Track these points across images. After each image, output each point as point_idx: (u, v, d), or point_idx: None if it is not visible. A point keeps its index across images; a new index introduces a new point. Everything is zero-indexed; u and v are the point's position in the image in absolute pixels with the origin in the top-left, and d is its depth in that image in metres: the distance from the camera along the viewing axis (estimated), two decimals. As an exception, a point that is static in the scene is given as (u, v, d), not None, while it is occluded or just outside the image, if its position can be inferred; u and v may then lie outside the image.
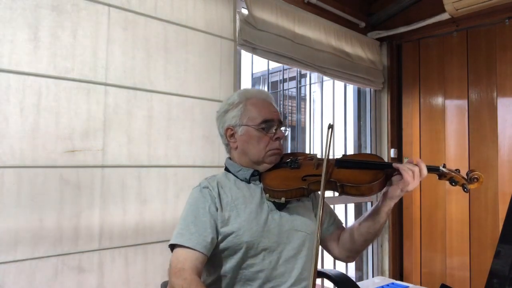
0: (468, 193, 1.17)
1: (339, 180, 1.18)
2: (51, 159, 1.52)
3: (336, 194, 1.23)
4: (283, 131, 1.31)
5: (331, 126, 1.20)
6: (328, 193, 1.26)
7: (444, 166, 1.15)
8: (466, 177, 1.14)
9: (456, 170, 1.16)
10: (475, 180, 1.13)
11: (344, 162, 1.24)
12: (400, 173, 1.13)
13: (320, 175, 1.20)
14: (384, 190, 1.19)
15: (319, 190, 1.24)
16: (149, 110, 1.81)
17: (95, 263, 1.61)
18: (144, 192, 1.77)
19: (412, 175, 1.11)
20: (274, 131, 1.28)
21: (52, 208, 1.51)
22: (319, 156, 1.33)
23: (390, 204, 1.18)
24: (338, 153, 2.95)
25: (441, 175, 1.18)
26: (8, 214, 1.42)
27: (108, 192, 1.66)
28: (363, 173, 1.19)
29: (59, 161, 1.54)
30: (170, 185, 1.86)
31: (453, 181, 1.15)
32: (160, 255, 1.78)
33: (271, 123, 1.28)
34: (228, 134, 1.31)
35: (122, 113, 1.72)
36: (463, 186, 1.14)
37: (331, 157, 1.24)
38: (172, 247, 1.18)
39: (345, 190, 1.18)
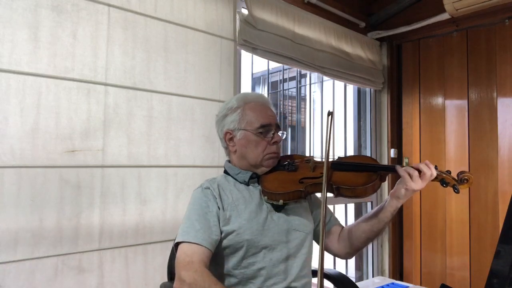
0: (458, 193, 1.18)
1: (335, 183, 1.21)
2: (51, 159, 1.52)
3: (332, 195, 1.25)
4: (280, 135, 1.33)
5: (330, 113, 1.21)
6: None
7: (436, 168, 1.17)
8: (456, 178, 1.16)
9: (447, 171, 1.18)
10: (465, 181, 1.14)
11: (340, 164, 1.27)
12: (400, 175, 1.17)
13: (317, 177, 1.24)
14: (392, 190, 1.21)
15: (316, 192, 1.27)
16: (149, 110, 1.81)
17: (95, 263, 1.61)
18: (144, 192, 1.77)
19: (409, 177, 1.14)
20: (272, 135, 1.30)
21: (52, 208, 1.51)
22: (316, 158, 1.36)
23: (397, 204, 1.20)
24: (337, 153, 2.96)
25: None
26: (8, 214, 1.42)
27: (108, 192, 1.66)
28: (357, 175, 1.22)
29: (59, 161, 1.54)
30: (170, 185, 1.86)
31: (444, 183, 1.16)
32: (160, 255, 1.78)
33: (268, 128, 1.30)
34: (227, 138, 1.34)
35: (122, 113, 1.72)
36: (453, 187, 1.16)
37: (329, 156, 1.26)
38: (176, 246, 1.19)
39: (340, 192, 1.21)
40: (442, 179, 1.16)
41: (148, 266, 1.76)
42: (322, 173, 1.21)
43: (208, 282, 1.07)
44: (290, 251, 1.24)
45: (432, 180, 1.17)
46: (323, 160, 1.22)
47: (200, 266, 1.10)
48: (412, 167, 1.17)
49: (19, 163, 1.45)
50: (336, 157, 1.36)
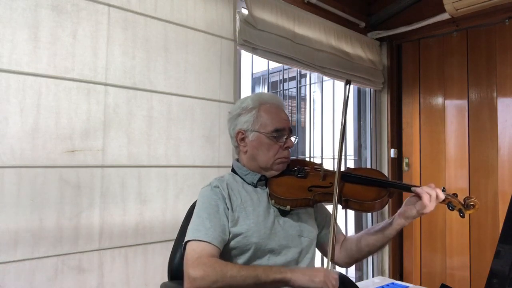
0: (464, 217, 1.18)
1: (345, 195, 1.20)
2: (51, 159, 1.52)
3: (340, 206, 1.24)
4: (293, 140, 1.33)
5: (349, 82, 1.20)
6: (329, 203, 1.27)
7: (443, 190, 1.17)
8: (463, 202, 1.16)
9: (454, 194, 1.18)
10: (471, 206, 1.15)
11: (351, 177, 1.26)
12: (418, 196, 1.14)
13: (327, 187, 1.23)
14: (400, 210, 1.20)
15: (325, 201, 1.26)
16: (149, 110, 1.81)
17: (95, 263, 1.61)
18: (144, 192, 1.77)
19: (429, 198, 1.12)
20: (284, 140, 1.30)
21: (52, 208, 1.51)
22: (325, 167, 1.34)
23: (404, 223, 1.19)
24: (337, 152, 2.95)
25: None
26: (8, 214, 1.42)
27: (108, 192, 1.66)
28: (367, 189, 1.21)
29: (59, 161, 1.54)
30: (170, 185, 1.86)
31: (450, 205, 1.16)
32: (160, 255, 1.78)
33: (282, 132, 1.30)
34: (239, 138, 1.33)
35: (122, 113, 1.72)
36: (459, 211, 1.16)
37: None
38: (186, 245, 1.18)
39: (348, 204, 1.21)
40: (449, 202, 1.16)
41: (148, 266, 1.76)
42: (332, 182, 1.21)
43: (219, 268, 1.07)
44: (295, 256, 1.25)
45: (441, 203, 1.17)
46: (335, 163, 1.21)
47: (208, 258, 1.09)
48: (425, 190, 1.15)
49: (19, 163, 1.45)
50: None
